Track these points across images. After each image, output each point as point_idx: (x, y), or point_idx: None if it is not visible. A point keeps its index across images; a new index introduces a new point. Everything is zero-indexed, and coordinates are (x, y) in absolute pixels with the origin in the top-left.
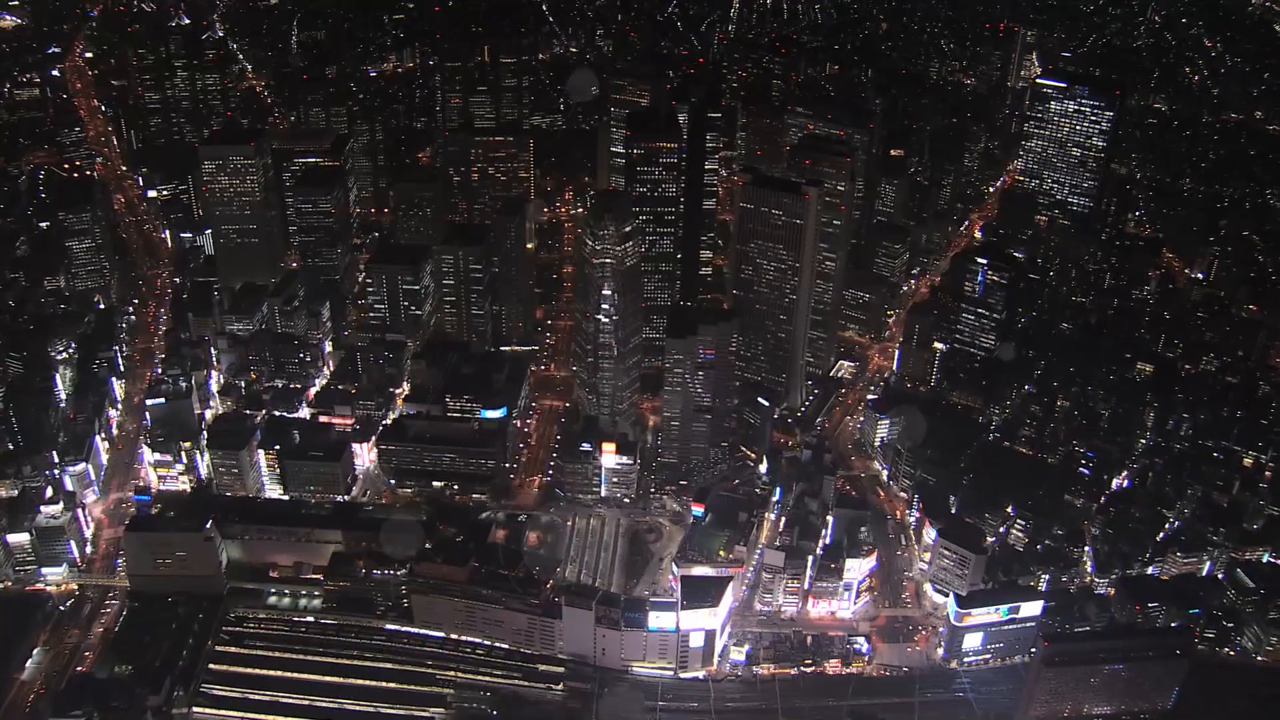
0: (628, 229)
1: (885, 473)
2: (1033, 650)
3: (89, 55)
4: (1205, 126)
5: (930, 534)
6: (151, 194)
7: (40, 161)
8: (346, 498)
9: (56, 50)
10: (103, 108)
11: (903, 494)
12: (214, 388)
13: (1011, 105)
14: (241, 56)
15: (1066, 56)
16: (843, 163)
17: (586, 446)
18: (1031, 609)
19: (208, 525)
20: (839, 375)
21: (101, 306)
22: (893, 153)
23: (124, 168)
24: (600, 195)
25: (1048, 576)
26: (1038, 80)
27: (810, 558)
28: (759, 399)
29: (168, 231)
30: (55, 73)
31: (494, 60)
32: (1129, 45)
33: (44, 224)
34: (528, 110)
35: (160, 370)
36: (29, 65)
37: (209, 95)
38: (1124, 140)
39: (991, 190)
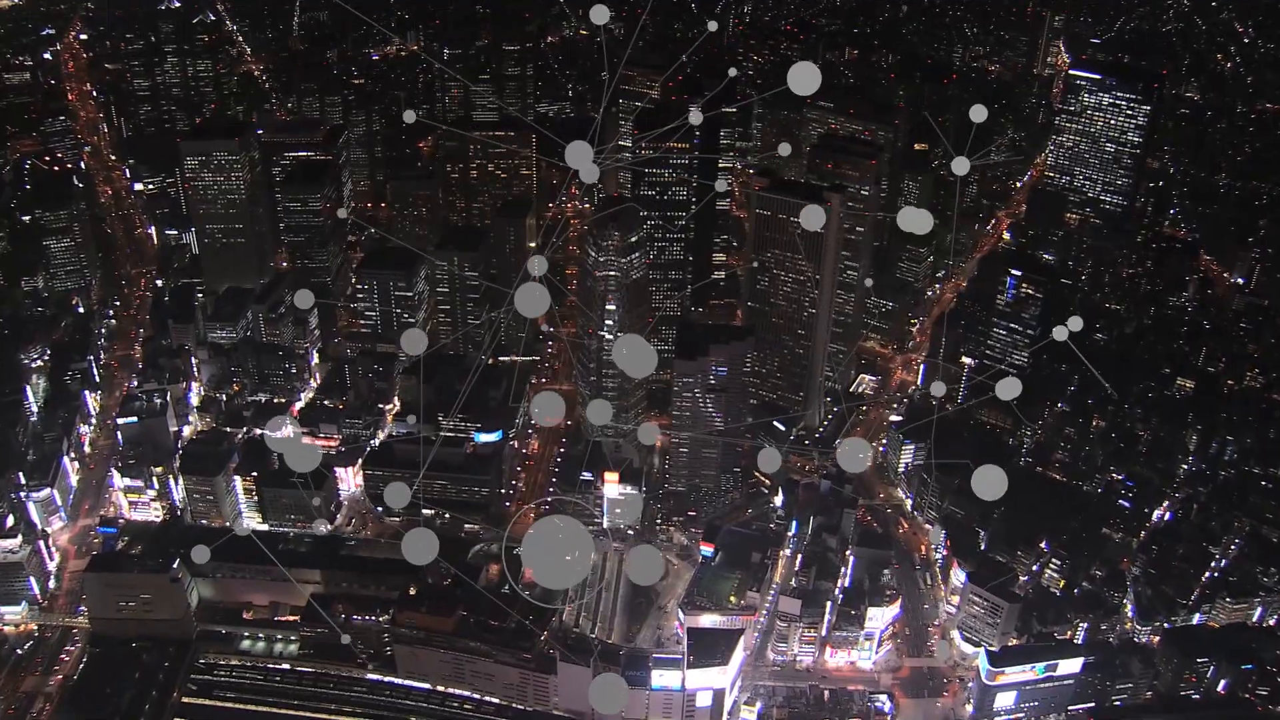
0: (634, 239)
1: (909, 502)
2: (1070, 708)
3: (84, 37)
4: (1240, 117)
5: (959, 575)
6: (139, 187)
7: (26, 150)
8: (329, 528)
9: (51, 32)
10: (94, 93)
11: (928, 525)
12: (194, 401)
13: (1038, 94)
14: (240, 39)
15: (1095, 43)
16: (868, 165)
17: (587, 476)
18: (1070, 666)
19: (174, 566)
20: (860, 391)
21: (80, 310)
22: (916, 146)
23: (113, 158)
24: (605, 202)
25: (1085, 625)
26: (1070, 71)
27: (829, 602)
28: (774, 421)
29: (154, 228)
30: (48, 56)
31: (497, 46)
32: (1157, 30)
33: (26, 218)
34: (534, 99)
35: (136, 384)
36: (22, 47)
37: (201, 82)
38: (1157, 133)
39: (1019, 186)
